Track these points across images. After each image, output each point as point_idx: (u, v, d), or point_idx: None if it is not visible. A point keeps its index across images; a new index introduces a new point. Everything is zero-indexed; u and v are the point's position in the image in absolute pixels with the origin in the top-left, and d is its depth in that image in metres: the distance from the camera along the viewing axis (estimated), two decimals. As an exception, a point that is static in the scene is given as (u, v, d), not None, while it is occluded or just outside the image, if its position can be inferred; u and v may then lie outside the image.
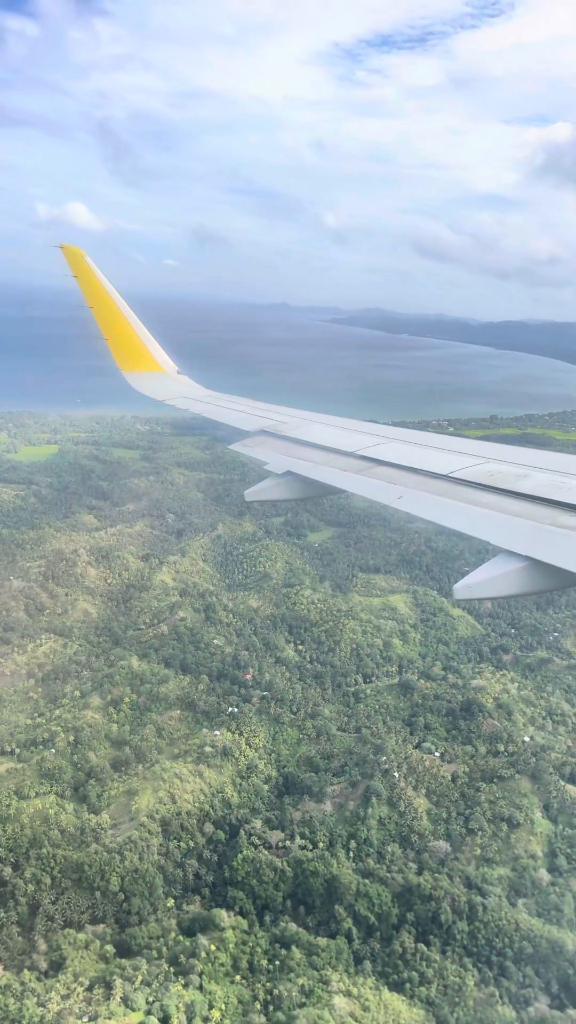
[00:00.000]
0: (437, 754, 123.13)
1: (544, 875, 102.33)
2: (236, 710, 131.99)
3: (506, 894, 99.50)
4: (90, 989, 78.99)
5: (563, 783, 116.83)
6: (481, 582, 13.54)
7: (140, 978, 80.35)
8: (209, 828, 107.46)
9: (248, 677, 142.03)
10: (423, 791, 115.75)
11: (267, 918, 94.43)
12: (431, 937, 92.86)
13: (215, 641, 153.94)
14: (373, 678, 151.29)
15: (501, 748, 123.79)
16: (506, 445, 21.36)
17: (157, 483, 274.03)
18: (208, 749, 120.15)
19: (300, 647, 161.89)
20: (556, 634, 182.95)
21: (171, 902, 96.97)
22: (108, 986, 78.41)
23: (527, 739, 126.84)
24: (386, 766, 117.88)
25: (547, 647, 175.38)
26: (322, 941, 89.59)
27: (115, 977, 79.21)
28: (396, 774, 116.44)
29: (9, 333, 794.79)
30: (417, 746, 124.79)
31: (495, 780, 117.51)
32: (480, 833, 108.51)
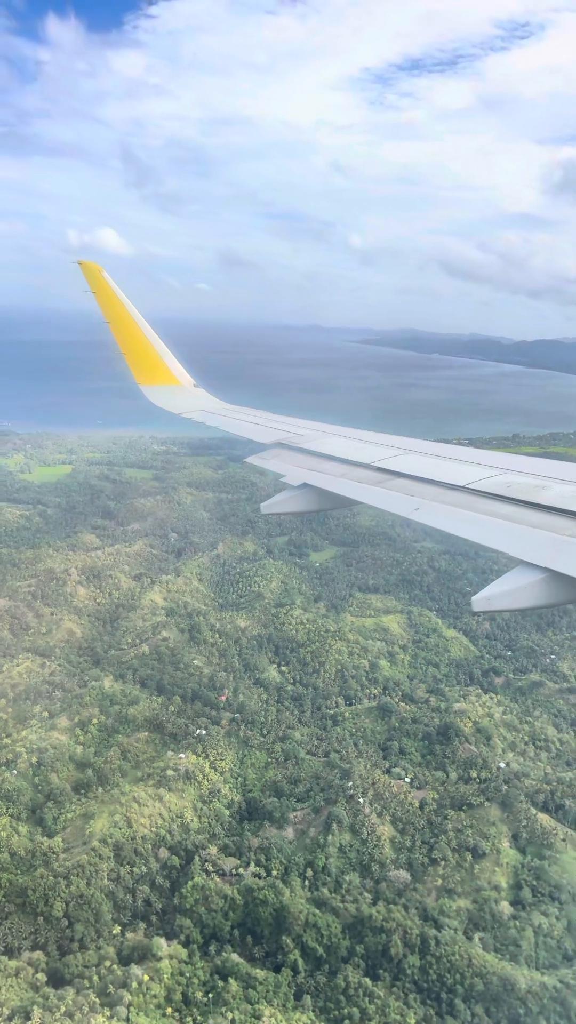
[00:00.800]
0: (407, 780, 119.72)
1: (506, 908, 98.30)
2: (204, 732, 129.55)
3: (463, 927, 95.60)
4: (9, 1020, 76.75)
5: (535, 811, 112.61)
6: (500, 594, 13.40)
7: (63, 1008, 77.97)
8: (164, 853, 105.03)
9: (222, 699, 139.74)
10: (388, 818, 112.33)
11: (212, 948, 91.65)
12: (380, 971, 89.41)
13: (195, 661, 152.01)
14: (354, 700, 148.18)
15: (474, 774, 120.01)
16: (524, 456, 21.24)
17: (164, 502, 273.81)
18: (170, 772, 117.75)
19: (284, 668, 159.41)
20: (553, 656, 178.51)
21: (117, 929, 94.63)
22: (27, 1016, 76.13)
23: (503, 765, 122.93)
24: (351, 792, 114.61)
25: (542, 670, 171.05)
26: (261, 973, 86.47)
27: (35, 1007, 76.85)
28: (361, 800, 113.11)
29: (41, 356, 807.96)
30: (387, 771, 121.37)
31: (464, 808, 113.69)
32: (443, 863, 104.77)
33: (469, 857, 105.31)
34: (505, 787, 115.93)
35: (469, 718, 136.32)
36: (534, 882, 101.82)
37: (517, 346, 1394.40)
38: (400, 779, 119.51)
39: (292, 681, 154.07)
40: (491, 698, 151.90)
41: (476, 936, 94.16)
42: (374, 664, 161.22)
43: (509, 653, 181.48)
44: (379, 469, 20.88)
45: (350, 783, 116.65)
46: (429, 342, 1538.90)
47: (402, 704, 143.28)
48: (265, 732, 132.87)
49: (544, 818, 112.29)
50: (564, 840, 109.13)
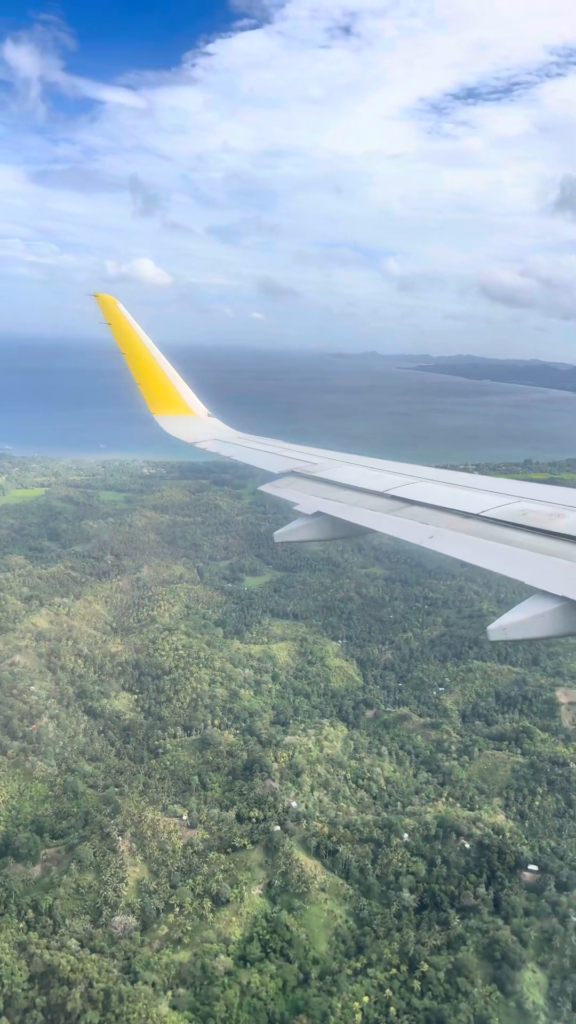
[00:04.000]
0: (183, 817, 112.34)
1: (223, 963, 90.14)
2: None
3: (166, 983, 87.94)
4: None
5: (301, 857, 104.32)
6: (515, 623, 13.18)
7: None
8: None
9: (34, 728, 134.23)
10: (141, 858, 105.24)
11: None
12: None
13: (32, 687, 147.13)
14: (194, 731, 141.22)
15: (254, 814, 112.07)
16: (538, 484, 20.84)
17: (114, 525, 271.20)
18: None
19: (139, 695, 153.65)
20: (441, 688, 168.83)
21: None
22: None
23: (293, 805, 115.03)
24: (108, 829, 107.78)
25: (423, 702, 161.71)
26: None
27: None
28: (119, 838, 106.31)
29: (73, 383, 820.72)
30: (164, 808, 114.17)
31: (229, 850, 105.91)
32: (177, 909, 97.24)
33: (209, 904, 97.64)
34: (277, 828, 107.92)
35: (287, 753, 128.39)
36: (267, 936, 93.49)
37: (573, 372, 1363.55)
38: (176, 817, 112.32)
39: (139, 709, 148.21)
40: (339, 731, 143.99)
41: (169, 993, 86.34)
42: (234, 694, 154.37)
43: (400, 685, 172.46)
44: (393, 497, 20.77)
45: (115, 819, 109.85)
46: (486, 368, 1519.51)
47: (227, 734, 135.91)
48: (59, 763, 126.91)
49: (310, 865, 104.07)
50: (322, 890, 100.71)
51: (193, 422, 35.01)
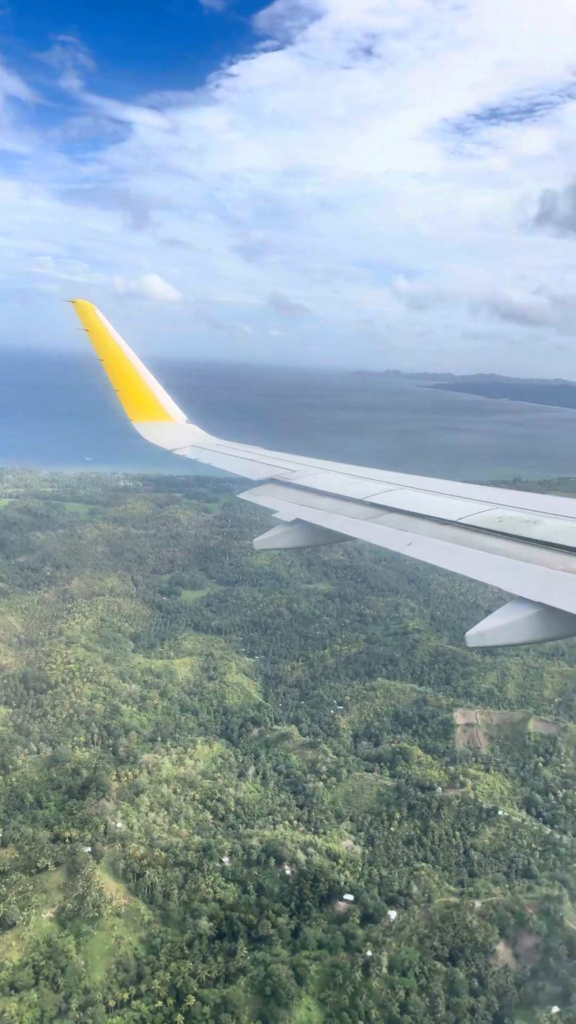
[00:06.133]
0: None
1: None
2: None
3: None
4: None
5: (106, 879, 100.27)
6: (493, 629, 13.12)
7: None
8: None
9: None
10: None
11: None
12: None
13: None
14: (56, 747, 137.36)
15: (71, 834, 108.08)
16: (515, 491, 20.63)
17: (64, 536, 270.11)
18: None
19: (16, 709, 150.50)
20: (340, 707, 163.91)
21: None
22: None
23: (119, 825, 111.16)
24: None
25: (316, 721, 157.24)
26: None
27: None
28: None
29: (85, 398, 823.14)
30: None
31: (33, 870, 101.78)
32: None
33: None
34: (88, 850, 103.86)
35: (132, 772, 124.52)
36: (43, 962, 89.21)
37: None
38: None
39: (11, 724, 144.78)
40: (212, 750, 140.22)
41: None
42: (115, 709, 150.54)
43: (302, 703, 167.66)
44: (372, 504, 20.69)
45: None
46: (507, 387, 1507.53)
47: (83, 753, 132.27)
48: None
49: (113, 888, 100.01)
50: (117, 915, 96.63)
51: (172, 429, 34.67)
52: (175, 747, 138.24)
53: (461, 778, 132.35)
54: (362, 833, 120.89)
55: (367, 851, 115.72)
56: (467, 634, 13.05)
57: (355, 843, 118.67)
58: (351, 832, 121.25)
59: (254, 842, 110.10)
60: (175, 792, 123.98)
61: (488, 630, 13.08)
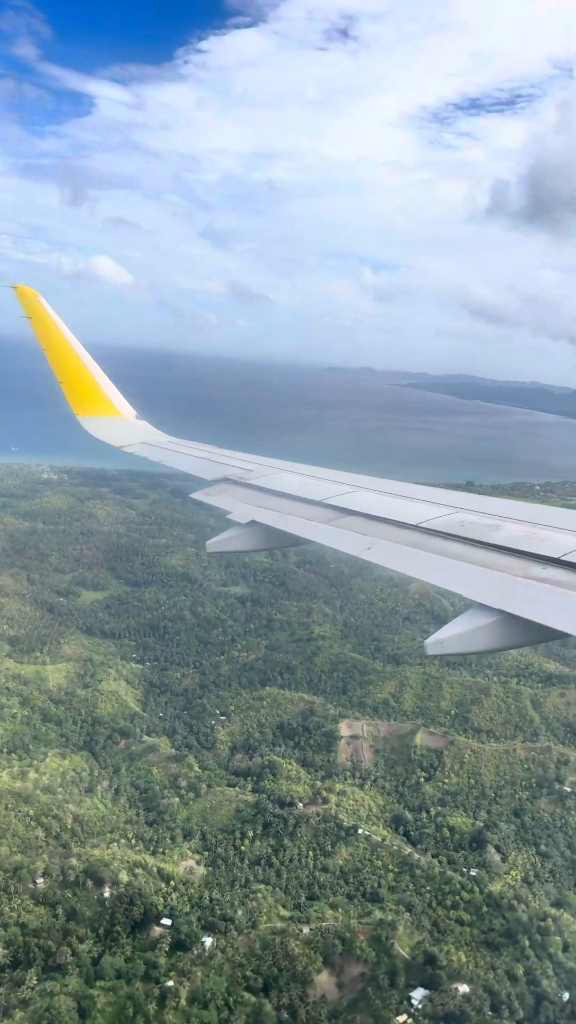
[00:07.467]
0: None
1: None
2: None
3: None
4: None
5: None
6: (452, 637, 12.30)
7: None
8: None
9: None
10: None
11: None
12: None
13: None
14: None
15: None
16: (477, 496, 20.06)
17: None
18: None
19: None
20: (224, 718, 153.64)
21: None
22: None
23: None
24: None
25: (194, 732, 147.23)
26: None
27: None
28: None
29: (13, 387, 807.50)
30: None
31: None
32: None
33: None
34: None
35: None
36: None
37: (571, 395, 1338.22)
38: None
39: None
40: (64, 763, 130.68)
41: None
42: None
43: (185, 713, 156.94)
44: (330, 506, 19.56)
45: None
46: (481, 388, 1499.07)
47: None
48: None
49: None
50: None
51: (121, 424, 32.82)
52: (20, 760, 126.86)
53: (324, 793, 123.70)
54: (207, 852, 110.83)
55: (208, 871, 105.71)
56: (426, 642, 12.29)
57: (199, 863, 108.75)
58: (196, 851, 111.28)
59: (74, 862, 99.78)
60: (7, 808, 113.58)
61: (447, 638, 12.31)
